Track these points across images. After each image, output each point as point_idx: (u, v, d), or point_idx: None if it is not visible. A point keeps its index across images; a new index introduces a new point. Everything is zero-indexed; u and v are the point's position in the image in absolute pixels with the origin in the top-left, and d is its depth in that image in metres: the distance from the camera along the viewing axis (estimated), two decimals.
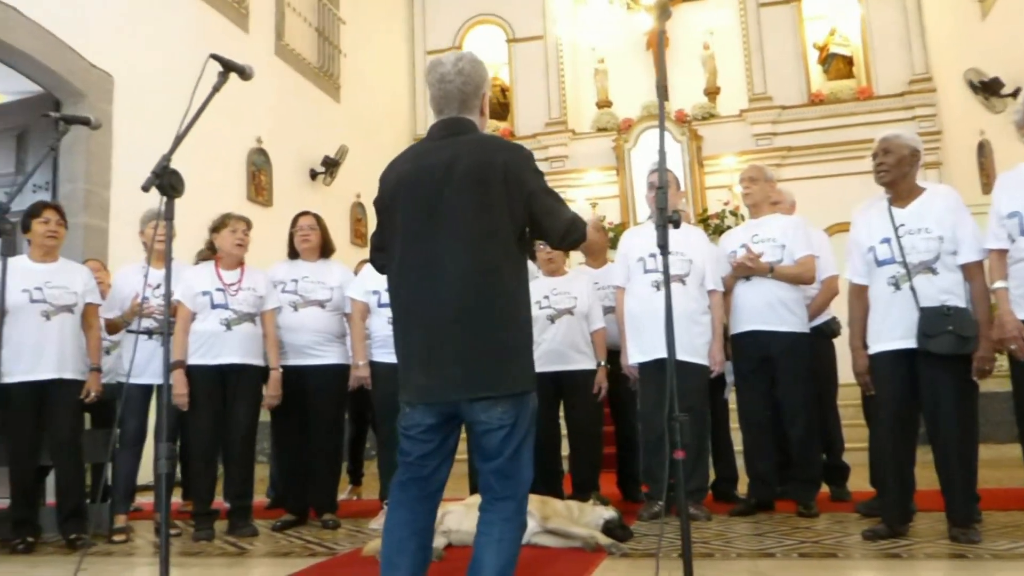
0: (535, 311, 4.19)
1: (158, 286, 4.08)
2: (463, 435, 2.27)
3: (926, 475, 3.47)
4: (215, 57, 2.39)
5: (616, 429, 4.88)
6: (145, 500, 5.23)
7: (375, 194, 2.34)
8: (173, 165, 2.27)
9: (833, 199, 8.48)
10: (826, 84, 10.53)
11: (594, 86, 11.45)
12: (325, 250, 4.62)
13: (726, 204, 9.88)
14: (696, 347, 4.04)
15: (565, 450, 4.64)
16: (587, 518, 3.57)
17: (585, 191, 10.72)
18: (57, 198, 5.75)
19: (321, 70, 9.53)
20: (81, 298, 4.15)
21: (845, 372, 4.01)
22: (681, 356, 3.66)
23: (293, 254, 4.59)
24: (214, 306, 4.17)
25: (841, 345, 4.16)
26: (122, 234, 5.85)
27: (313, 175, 9.12)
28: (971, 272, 3.30)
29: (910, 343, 3.25)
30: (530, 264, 4.43)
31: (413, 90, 11.78)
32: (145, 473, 4.47)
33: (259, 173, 8.13)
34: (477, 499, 2.25)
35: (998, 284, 3.23)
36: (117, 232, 6.03)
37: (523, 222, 2.20)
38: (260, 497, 4.98)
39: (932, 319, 3.19)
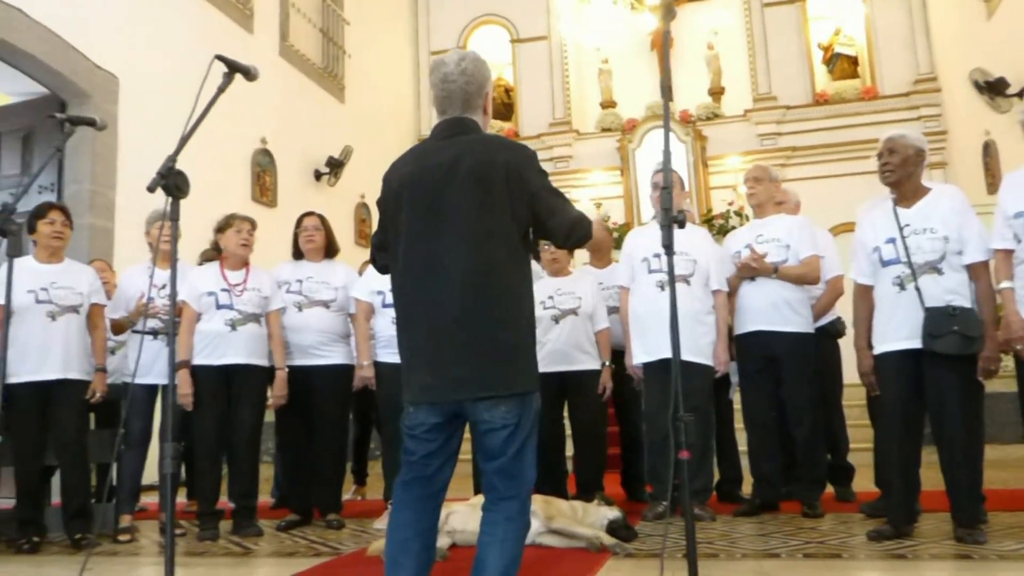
0: (539, 311, 4.18)
1: (163, 286, 4.09)
2: (467, 435, 2.28)
3: (931, 476, 3.46)
4: (220, 58, 2.39)
5: (620, 429, 4.88)
6: (150, 500, 5.25)
7: (379, 195, 2.35)
8: (178, 166, 2.28)
9: (838, 199, 8.48)
10: (831, 84, 10.52)
11: (598, 86, 11.43)
12: (329, 250, 4.63)
13: (730, 204, 9.87)
14: (701, 347, 4.04)
15: (569, 450, 4.64)
16: (591, 518, 3.57)
17: (589, 191, 10.72)
18: (62, 199, 5.76)
19: (325, 71, 9.54)
20: (86, 298, 4.16)
21: (850, 372, 4.00)
22: (686, 356, 3.62)
23: (297, 254, 4.60)
24: (219, 306, 4.18)
25: (846, 345, 4.16)
26: (127, 235, 5.87)
27: (317, 176, 9.14)
28: (977, 272, 3.29)
29: (915, 343, 3.24)
30: (534, 264, 4.44)
31: (417, 91, 11.79)
32: (150, 473, 4.48)
33: (264, 174, 8.14)
34: (481, 499, 2.25)
35: (1004, 284, 3.22)
36: (122, 233, 6.05)
37: (526, 222, 2.20)
38: (264, 497, 4.98)
39: (937, 319, 3.18)
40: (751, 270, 4.15)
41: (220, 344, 4.14)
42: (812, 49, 10.65)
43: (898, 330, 3.32)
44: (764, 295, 4.14)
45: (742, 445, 4.53)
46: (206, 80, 2.30)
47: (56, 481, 4.26)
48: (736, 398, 4.51)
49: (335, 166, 9.21)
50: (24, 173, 6.15)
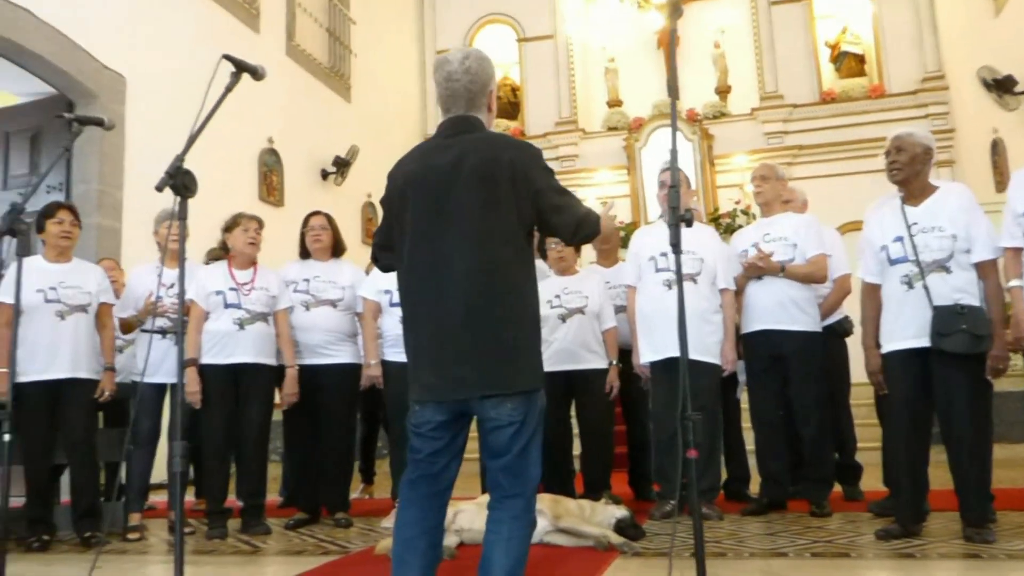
0: (546, 310, 4.19)
1: (172, 285, 4.09)
2: (473, 433, 2.28)
3: (940, 475, 3.45)
4: (227, 58, 2.40)
5: (628, 428, 4.87)
6: (159, 499, 5.26)
7: (384, 192, 2.35)
8: (186, 165, 2.28)
9: (845, 198, 8.44)
10: (838, 82, 10.48)
11: (605, 85, 11.42)
12: (336, 250, 4.64)
13: (737, 203, 9.86)
14: (708, 346, 4.03)
15: (577, 449, 4.64)
16: (599, 517, 3.57)
17: (596, 190, 10.69)
18: (71, 199, 5.79)
19: (332, 70, 9.56)
20: (95, 298, 4.18)
21: (858, 371, 3.99)
22: (693, 355, 3.65)
23: (305, 254, 4.61)
24: (227, 305, 4.19)
25: (854, 344, 4.14)
26: (135, 234, 5.89)
27: (324, 175, 9.15)
28: (985, 270, 3.28)
29: (923, 342, 3.23)
30: (541, 263, 4.44)
31: (423, 90, 11.79)
32: (159, 472, 4.49)
33: (270, 173, 8.16)
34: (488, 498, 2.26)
35: (1013, 283, 3.21)
36: (130, 232, 6.07)
37: (531, 220, 2.20)
38: (273, 496, 4.99)
39: (946, 318, 3.17)
40: (758, 269, 4.14)
41: (228, 343, 4.15)
42: (819, 47, 10.62)
43: (906, 329, 3.31)
44: (771, 294, 4.13)
45: (750, 444, 4.53)
46: (213, 80, 2.30)
47: (65, 480, 4.28)
48: (744, 397, 4.50)
49: (342, 165, 9.23)
50: (32, 173, 6.18)
